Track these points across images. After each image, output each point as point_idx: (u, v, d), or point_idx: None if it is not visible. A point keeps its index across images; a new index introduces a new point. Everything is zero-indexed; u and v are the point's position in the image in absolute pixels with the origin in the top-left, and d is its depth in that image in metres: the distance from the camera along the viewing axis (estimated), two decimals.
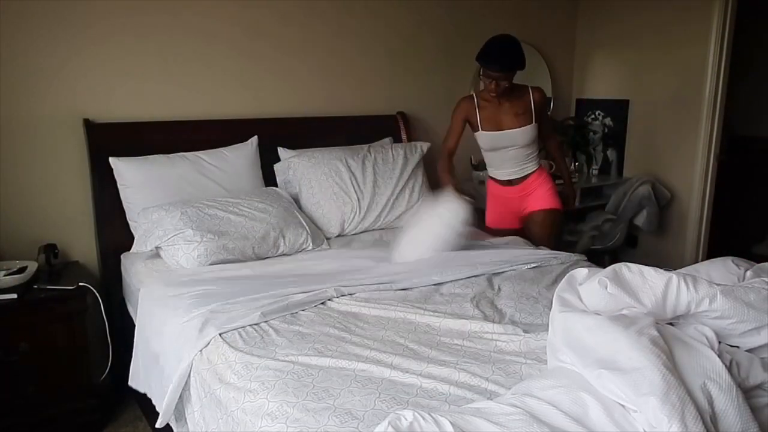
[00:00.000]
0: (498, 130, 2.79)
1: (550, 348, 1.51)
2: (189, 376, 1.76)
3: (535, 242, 2.79)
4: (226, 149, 2.85)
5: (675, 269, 1.63)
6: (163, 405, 1.81)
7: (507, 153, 2.83)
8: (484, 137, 2.82)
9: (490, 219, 3.02)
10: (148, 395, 2.08)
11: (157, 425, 1.86)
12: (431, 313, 1.91)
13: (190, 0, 2.83)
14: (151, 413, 2.41)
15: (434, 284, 2.19)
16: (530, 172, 2.88)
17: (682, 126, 3.71)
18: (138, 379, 2.18)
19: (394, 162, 3.05)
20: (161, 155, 2.70)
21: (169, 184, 2.64)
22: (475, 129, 2.84)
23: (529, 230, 2.91)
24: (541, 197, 2.87)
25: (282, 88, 3.17)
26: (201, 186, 2.70)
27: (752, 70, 4.37)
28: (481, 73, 2.73)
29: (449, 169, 2.80)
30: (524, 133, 2.78)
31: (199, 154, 2.77)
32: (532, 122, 2.78)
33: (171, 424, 1.90)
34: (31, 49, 2.54)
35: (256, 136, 2.95)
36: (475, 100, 2.83)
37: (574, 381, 1.31)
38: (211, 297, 2.01)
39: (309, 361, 1.60)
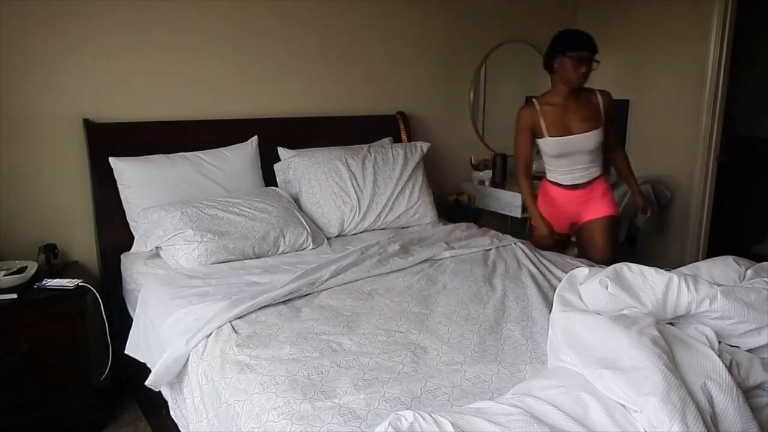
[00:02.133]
0: (565, 135, 2.68)
1: (551, 348, 1.51)
2: (188, 362, 1.78)
3: (593, 248, 2.78)
4: (226, 149, 2.85)
5: (674, 269, 1.63)
6: (155, 368, 1.83)
7: (575, 158, 2.72)
8: (550, 143, 2.71)
9: None
10: (148, 365, 2.08)
11: (147, 383, 1.88)
12: (440, 309, 1.96)
13: (191, 0, 2.84)
14: (152, 413, 2.41)
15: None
16: (596, 176, 2.77)
17: (682, 126, 3.71)
18: (137, 347, 2.18)
19: (394, 162, 3.05)
20: (161, 155, 2.70)
21: (169, 184, 2.64)
22: (539, 136, 2.74)
23: (588, 236, 2.82)
24: (602, 203, 2.78)
25: (282, 88, 3.17)
26: (201, 186, 2.70)
27: (752, 69, 4.37)
28: (557, 65, 2.64)
29: (531, 191, 2.82)
30: (593, 138, 2.68)
31: (199, 154, 2.77)
32: (600, 126, 2.69)
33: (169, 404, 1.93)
34: (30, 49, 2.54)
35: (256, 136, 2.95)
36: (537, 106, 2.73)
37: (574, 381, 1.31)
38: (221, 293, 2.05)
39: (314, 360, 1.61)
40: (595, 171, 2.77)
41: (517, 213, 3.46)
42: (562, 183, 2.80)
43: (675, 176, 3.79)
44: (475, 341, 1.73)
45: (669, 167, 3.81)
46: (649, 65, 3.83)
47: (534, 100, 2.78)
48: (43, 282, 2.35)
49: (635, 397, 1.19)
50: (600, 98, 2.73)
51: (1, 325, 2.22)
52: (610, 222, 2.79)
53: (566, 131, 2.69)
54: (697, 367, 1.30)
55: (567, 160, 2.74)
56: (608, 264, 1.83)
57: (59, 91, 2.63)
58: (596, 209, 2.78)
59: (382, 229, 2.94)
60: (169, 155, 2.71)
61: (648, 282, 1.52)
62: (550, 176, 2.84)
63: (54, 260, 2.53)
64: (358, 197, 2.88)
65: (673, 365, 1.26)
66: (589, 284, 1.58)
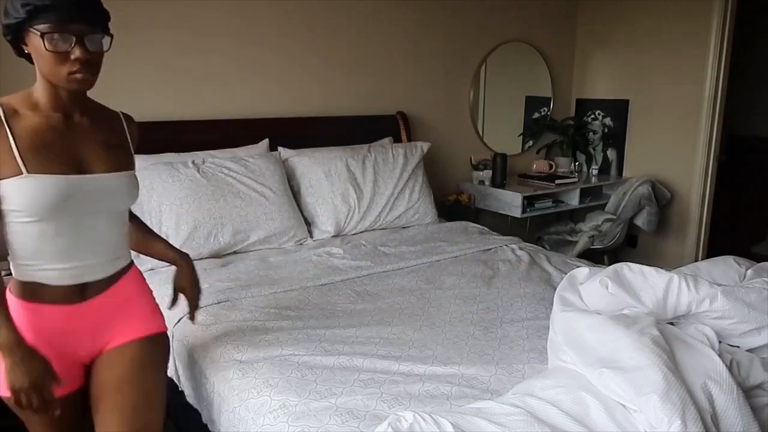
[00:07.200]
0: (75, 173, 1.36)
1: (552, 347, 1.51)
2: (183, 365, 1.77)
3: (106, 400, 1.39)
4: (240, 150, 2.85)
5: (674, 269, 1.63)
6: None
7: (87, 223, 1.37)
8: (34, 186, 1.29)
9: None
10: None
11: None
12: (436, 310, 1.94)
13: (192, 0, 2.84)
14: None
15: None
16: (123, 267, 1.49)
17: (682, 126, 3.71)
18: None
19: (394, 162, 3.05)
20: (161, 155, 2.70)
21: None
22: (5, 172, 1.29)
23: (108, 379, 1.41)
24: (138, 316, 1.49)
25: (282, 88, 3.17)
26: None
27: (752, 69, 4.37)
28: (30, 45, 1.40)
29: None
30: (125, 184, 1.46)
31: (199, 153, 2.76)
32: (133, 167, 1.53)
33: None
34: None
35: (267, 139, 2.95)
36: (1, 114, 1.37)
37: (575, 381, 1.32)
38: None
39: (312, 360, 1.61)
40: (124, 257, 1.50)
41: (517, 213, 3.46)
42: (51, 284, 1.35)
43: (675, 176, 3.79)
44: (473, 341, 1.73)
45: (669, 167, 3.81)
46: (649, 65, 3.83)
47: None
48: None
49: (635, 397, 1.19)
50: (126, 123, 1.61)
51: None
52: (152, 347, 1.48)
53: (73, 165, 1.37)
54: (698, 367, 1.30)
55: (68, 224, 1.34)
56: None
57: None
58: (127, 328, 1.45)
59: (382, 228, 2.94)
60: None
61: (648, 282, 1.52)
62: (26, 274, 1.35)
63: None
64: (358, 197, 2.88)
65: (673, 365, 1.26)
66: (590, 284, 1.58)
